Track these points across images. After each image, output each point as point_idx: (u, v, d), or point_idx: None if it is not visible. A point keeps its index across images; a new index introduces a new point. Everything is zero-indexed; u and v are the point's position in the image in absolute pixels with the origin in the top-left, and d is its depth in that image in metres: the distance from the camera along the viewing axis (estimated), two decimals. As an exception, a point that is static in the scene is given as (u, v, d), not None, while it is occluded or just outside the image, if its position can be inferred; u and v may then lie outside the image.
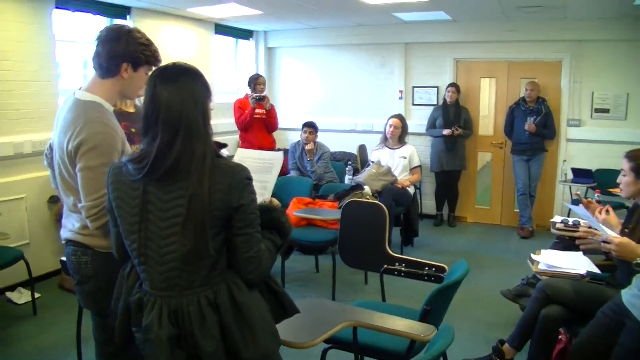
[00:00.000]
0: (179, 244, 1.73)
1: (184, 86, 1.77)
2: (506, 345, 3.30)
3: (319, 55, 8.57)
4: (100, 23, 5.94)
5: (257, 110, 6.78)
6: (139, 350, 1.89)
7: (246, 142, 6.85)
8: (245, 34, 8.58)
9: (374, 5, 6.24)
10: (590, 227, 2.96)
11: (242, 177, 1.80)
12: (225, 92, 8.19)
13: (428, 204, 7.88)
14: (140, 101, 3.90)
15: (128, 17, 6.25)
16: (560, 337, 3.57)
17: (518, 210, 7.29)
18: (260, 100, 6.70)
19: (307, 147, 6.45)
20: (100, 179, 2.05)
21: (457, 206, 7.75)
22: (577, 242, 3.02)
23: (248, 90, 6.94)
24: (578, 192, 4.65)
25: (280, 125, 8.63)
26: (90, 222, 2.18)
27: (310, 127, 6.54)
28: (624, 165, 3.15)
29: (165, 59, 2.07)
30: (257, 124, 6.87)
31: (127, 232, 1.80)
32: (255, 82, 6.89)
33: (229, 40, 8.45)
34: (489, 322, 4.39)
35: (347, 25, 8.05)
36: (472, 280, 5.15)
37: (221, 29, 7.86)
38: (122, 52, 2.27)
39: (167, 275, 1.77)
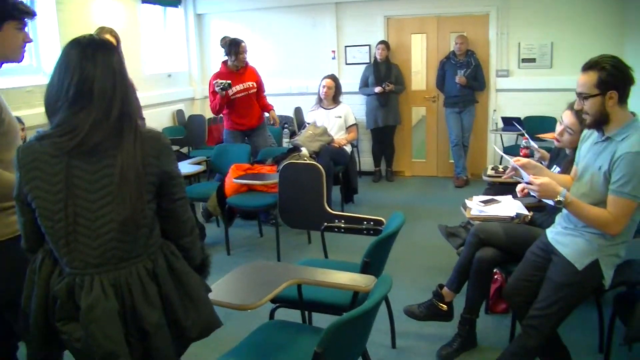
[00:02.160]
0: (115, 213, 1.68)
1: (110, 59, 1.75)
2: (445, 288, 3.45)
3: (250, 19, 8.48)
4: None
5: (238, 87, 5.89)
6: (67, 347, 1.82)
7: (230, 121, 6.11)
8: (174, 2, 8.39)
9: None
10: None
11: (167, 143, 1.83)
12: (154, 63, 8.03)
13: (366, 161, 8.01)
14: None
15: (50, -9, 6.01)
16: (496, 277, 3.78)
17: (453, 161, 7.52)
18: (226, 89, 5.69)
19: None
20: None
21: (394, 161, 7.93)
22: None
23: (225, 62, 5.99)
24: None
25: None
26: None
27: None
28: (570, 121, 3.29)
29: (91, 31, 2.01)
30: (241, 101, 5.97)
31: (49, 213, 1.69)
32: (237, 49, 5.84)
33: (157, 8, 8.24)
34: (430, 269, 4.56)
35: (276, -13, 7.99)
36: (412, 231, 5.36)
37: (147, -3, 7.63)
38: None
39: (103, 249, 1.71)
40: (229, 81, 5.67)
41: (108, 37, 3.73)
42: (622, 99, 2.59)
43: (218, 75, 5.86)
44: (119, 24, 6.80)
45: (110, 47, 1.80)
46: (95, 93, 1.69)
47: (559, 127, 3.43)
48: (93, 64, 1.71)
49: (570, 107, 3.29)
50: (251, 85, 5.97)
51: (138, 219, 1.72)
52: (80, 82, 1.69)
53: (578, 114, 3.04)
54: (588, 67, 2.60)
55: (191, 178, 6.26)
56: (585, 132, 2.89)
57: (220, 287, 2.39)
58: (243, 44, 5.88)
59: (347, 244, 4.24)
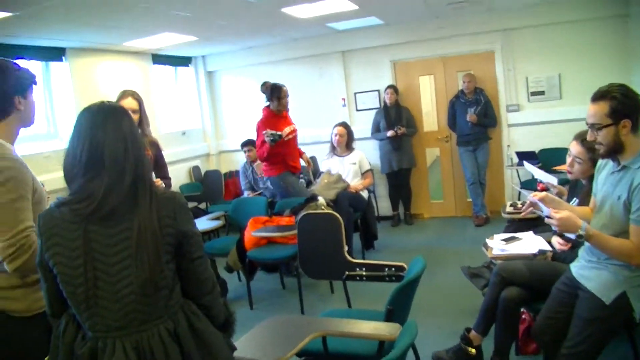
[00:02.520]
0: (134, 275, 1.70)
1: (120, 124, 1.79)
2: (473, 332, 3.40)
3: (259, 73, 8.61)
4: (35, 68, 5.90)
5: (287, 129, 5.75)
6: None
7: (285, 165, 5.88)
8: (184, 61, 8.61)
9: (306, 19, 6.34)
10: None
11: (183, 203, 1.85)
12: (168, 122, 8.18)
13: (384, 206, 7.99)
14: (143, 130, 3.91)
15: (63, 58, 6.22)
16: (523, 316, 3.71)
17: (471, 200, 7.48)
18: (277, 141, 5.54)
19: (255, 165, 6.50)
20: (14, 215, 2.04)
21: (412, 204, 7.89)
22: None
23: (268, 107, 5.92)
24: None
25: (227, 147, 8.78)
26: (8, 264, 2.08)
27: (249, 145, 6.63)
28: (577, 150, 3.29)
29: (105, 95, 2.10)
30: (291, 143, 5.90)
31: (69, 278, 1.72)
32: (280, 93, 5.82)
33: (168, 68, 8.45)
34: (455, 312, 4.48)
35: (283, 41, 8.14)
36: (435, 274, 5.30)
37: (159, 58, 7.85)
38: (10, 87, 2.24)
39: (124, 312, 1.72)
40: (280, 133, 5.58)
41: (130, 99, 3.83)
42: (635, 127, 2.58)
43: (265, 122, 5.74)
44: (132, 85, 6.95)
45: (120, 113, 1.85)
46: (106, 159, 1.73)
47: (568, 159, 3.43)
48: (103, 130, 1.76)
49: (576, 137, 3.29)
50: (295, 128, 5.96)
51: (157, 280, 1.74)
52: (91, 149, 1.73)
53: (584, 142, 3.05)
54: (598, 97, 2.60)
55: (210, 233, 6.31)
56: (600, 162, 2.87)
57: (245, 343, 2.38)
58: (285, 88, 5.88)
59: (370, 291, 4.20)
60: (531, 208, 2.96)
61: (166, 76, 8.43)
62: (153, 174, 3.89)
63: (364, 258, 6.14)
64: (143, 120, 3.92)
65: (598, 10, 6.96)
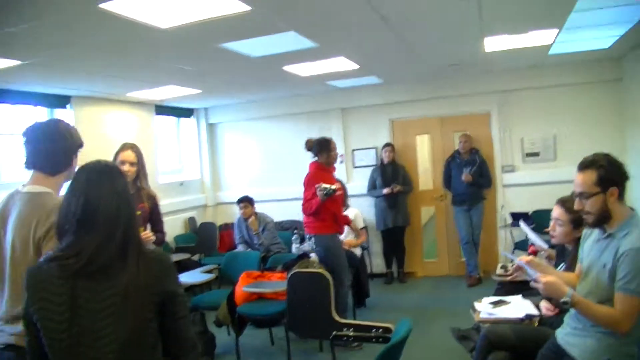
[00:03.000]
0: (117, 333, 1.71)
1: (114, 184, 1.84)
2: (459, 396, 3.36)
3: (260, 127, 8.78)
4: (40, 114, 6.03)
5: (336, 185, 5.38)
6: None
7: (337, 224, 5.57)
8: (186, 113, 8.74)
9: (307, 77, 6.47)
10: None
11: (170, 264, 1.90)
12: (169, 172, 8.25)
13: (378, 263, 7.98)
14: (141, 183, 3.96)
15: (68, 106, 6.32)
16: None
17: (464, 259, 7.47)
18: (330, 195, 5.23)
19: (249, 221, 6.53)
20: None
21: (405, 262, 7.88)
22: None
23: (316, 162, 5.65)
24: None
25: (225, 200, 8.79)
26: None
27: (245, 202, 6.65)
28: (558, 212, 3.34)
29: (108, 144, 2.21)
30: (337, 201, 5.58)
31: (53, 333, 1.72)
32: (329, 145, 5.60)
33: (171, 119, 8.57)
34: (446, 374, 4.44)
35: (284, 97, 8.32)
36: (426, 333, 5.28)
37: (162, 109, 7.97)
38: (72, 146, 2.47)
39: None
40: (333, 187, 5.26)
41: (129, 152, 3.89)
42: (621, 195, 2.62)
43: (316, 176, 5.45)
44: (134, 135, 7.09)
45: (115, 173, 1.91)
46: (99, 217, 1.78)
47: (551, 223, 3.45)
48: (97, 188, 1.81)
49: (558, 201, 3.34)
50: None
51: (140, 338, 1.75)
52: (85, 206, 1.78)
53: (564, 204, 3.08)
54: (585, 166, 2.65)
55: (203, 286, 6.27)
56: (586, 230, 2.90)
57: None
58: (332, 140, 5.72)
59: (358, 352, 4.17)
60: (518, 272, 2.98)
61: (168, 127, 8.56)
62: (149, 226, 3.95)
63: (355, 316, 6.11)
64: (141, 173, 3.97)
65: (592, 75, 7.17)
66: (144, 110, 7.56)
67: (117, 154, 3.91)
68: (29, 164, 2.44)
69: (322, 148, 5.58)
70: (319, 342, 5.24)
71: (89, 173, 1.85)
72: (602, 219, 2.64)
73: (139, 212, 3.82)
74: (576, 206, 2.73)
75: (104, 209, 1.78)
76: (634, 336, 2.61)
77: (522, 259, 2.90)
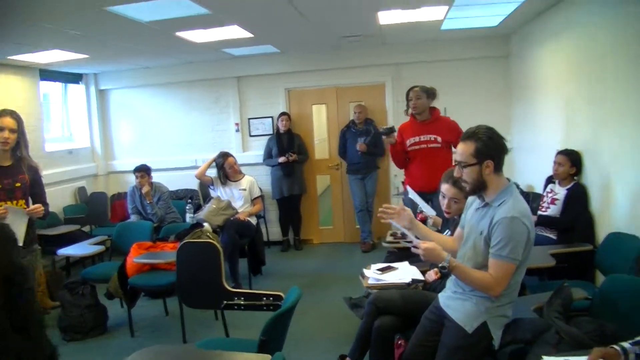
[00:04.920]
0: None
1: None
2: (347, 359, 3.47)
3: (154, 94, 8.49)
4: None
5: (418, 139, 5.24)
6: None
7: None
8: (74, 78, 8.28)
9: (202, 44, 6.32)
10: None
11: (12, 236, 1.85)
12: (57, 140, 7.87)
13: (274, 231, 8.04)
14: (21, 152, 3.73)
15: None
16: (400, 342, 3.83)
17: (359, 227, 7.66)
18: (388, 134, 5.16)
19: (143, 190, 6.37)
20: None
21: (302, 230, 7.99)
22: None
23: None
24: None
25: (118, 168, 8.51)
26: None
27: (141, 171, 6.45)
28: (453, 192, 3.43)
29: None
30: (421, 155, 5.27)
31: None
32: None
33: (58, 85, 8.12)
34: (338, 339, 4.52)
35: (178, 63, 8.06)
36: (321, 300, 5.40)
37: (47, 74, 7.49)
38: None
39: None
40: (390, 126, 5.31)
41: (8, 119, 3.65)
42: (498, 168, 2.76)
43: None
44: (18, 101, 6.64)
45: None
46: None
47: (444, 201, 3.56)
48: None
49: (446, 179, 3.46)
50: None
51: None
52: None
53: (456, 183, 3.21)
54: (466, 137, 2.76)
55: (95, 257, 6.09)
56: (470, 198, 3.04)
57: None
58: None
59: (252, 319, 4.18)
60: (404, 238, 3.08)
61: (55, 92, 8.11)
62: (30, 199, 3.77)
63: (250, 284, 6.14)
64: (22, 141, 3.76)
65: (482, 51, 7.50)
66: (27, 75, 7.07)
67: None
68: None
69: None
70: (214, 310, 5.23)
71: None
72: (477, 189, 2.78)
73: (18, 184, 3.68)
74: (456, 173, 2.85)
75: None
76: (508, 299, 2.79)
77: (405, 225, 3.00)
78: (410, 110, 5.32)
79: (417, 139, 5.25)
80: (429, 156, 5.20)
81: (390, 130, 5.17)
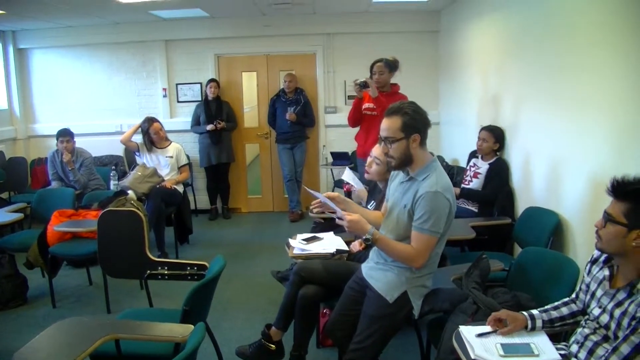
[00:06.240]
0: None
1: None
2: (273, 328, 3.51)
3: (77, 55, 8.14)
4: None
5: (373, 105, 5.52)
6: None
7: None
8: (-9, 35, 7.85)
9: (128, 4, 6.11)
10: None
11: None
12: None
13: (202, 199, 7.97)
14: None
15: None
16: (325, 311, 3.91)
17: (287, 196, 7.69)
18: (362, 87, 5.41)
19: (65, 158, 6.14)
20: None
21: (230, 198, 7.96)
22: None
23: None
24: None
25: (39, 132, 8.17)
26: None
27: (66, 136, 6.20)
28: (378, 152, 3.57)
29: None
30: (369, 121, 5.64)
31: None
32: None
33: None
34: (265, 308, 4.58)
35: (104, 24, 7.77)
36: (248, 269, 5.43)
37: (-42, 30, 7.07)
38: None
39: None
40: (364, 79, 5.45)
41: None
42: (423, 142, 2.82)
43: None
44: None
45: None
46: None
47: (369, 159, 3.66)
48: None
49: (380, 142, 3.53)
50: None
51: None
52: None
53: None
54: (391, 112, 2.80)
55: (15, 225, 5.87)
56: (394, 171, 3.10)
57: (31, 349, 2.26)
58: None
59: (177, 288, 4.17)
60: (319, 206, 3.09)
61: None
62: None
63: (177, 253, 6.09)
64: None
65: (413, 25, 7.63)
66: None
67: None
68: None
69: None
70: (139, 281, 5.16)
71: None
72: (404, 163, 2.83)
73: None
74: (382, 149, 2.90)
75: None
76: (428, 270, 2.88)
77: (327, 194, 3.03)
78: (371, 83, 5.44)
79: (372, 105, 5.52)
80: (377, 124, 5.26)
81: (364, 85, 5.41)
